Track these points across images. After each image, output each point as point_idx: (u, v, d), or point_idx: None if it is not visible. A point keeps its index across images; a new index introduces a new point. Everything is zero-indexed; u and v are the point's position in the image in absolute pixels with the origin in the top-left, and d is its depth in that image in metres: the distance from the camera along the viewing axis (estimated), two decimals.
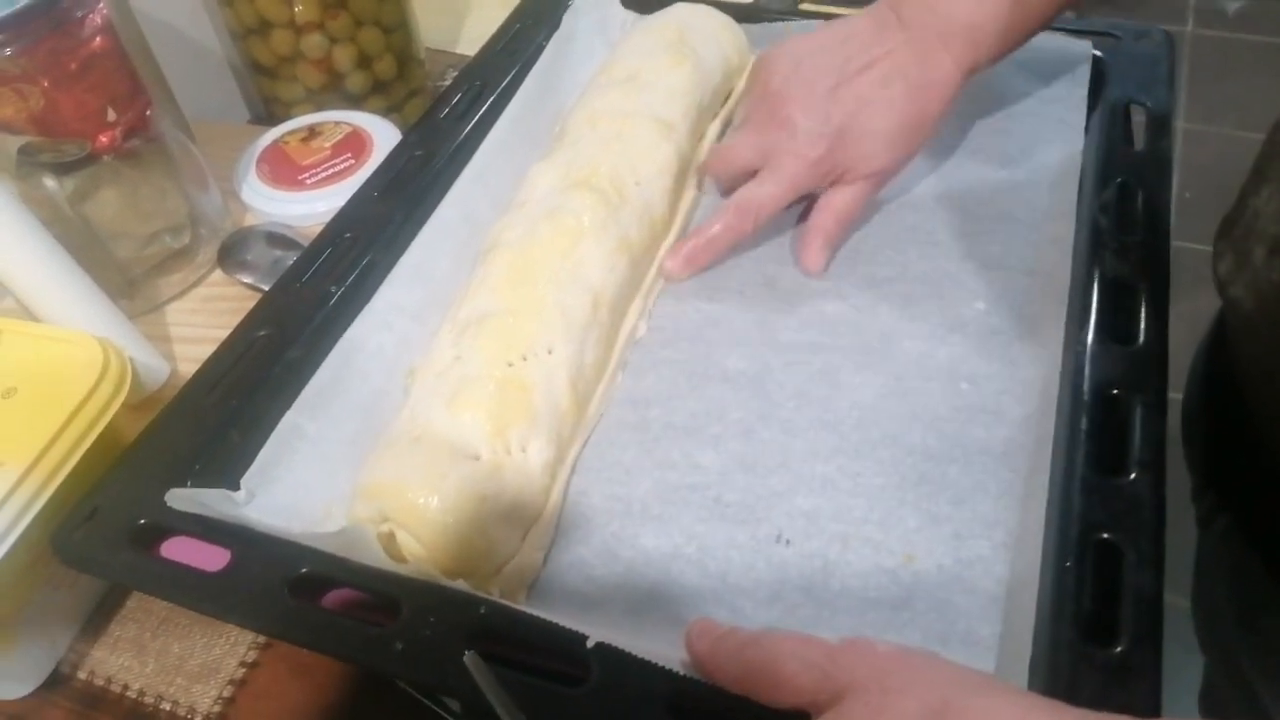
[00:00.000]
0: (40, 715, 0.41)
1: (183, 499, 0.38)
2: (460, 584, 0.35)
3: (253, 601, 0.36)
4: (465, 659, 0.32)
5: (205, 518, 0.38)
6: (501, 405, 0.40)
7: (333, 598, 0.37)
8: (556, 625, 0.34)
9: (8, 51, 0.45)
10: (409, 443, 0.39)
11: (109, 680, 0.42)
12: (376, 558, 0.36)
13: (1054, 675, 0.33)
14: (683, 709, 0.32)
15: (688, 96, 0.55)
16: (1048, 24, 0.50)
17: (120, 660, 0.43)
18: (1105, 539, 0.36)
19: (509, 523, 0.39)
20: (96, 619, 0.44)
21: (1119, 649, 0.33)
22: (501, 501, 0.38)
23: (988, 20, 0.48)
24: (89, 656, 0.43)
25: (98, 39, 0.48)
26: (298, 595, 0.36)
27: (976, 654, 0.36)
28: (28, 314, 0.48)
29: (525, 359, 0.42)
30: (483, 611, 0.34)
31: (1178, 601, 0.50)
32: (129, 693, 0.42)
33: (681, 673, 0.32)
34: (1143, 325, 0.43)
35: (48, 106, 0.47)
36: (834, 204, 0.50)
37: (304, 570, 0.36)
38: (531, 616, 0.34)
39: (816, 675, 0.27)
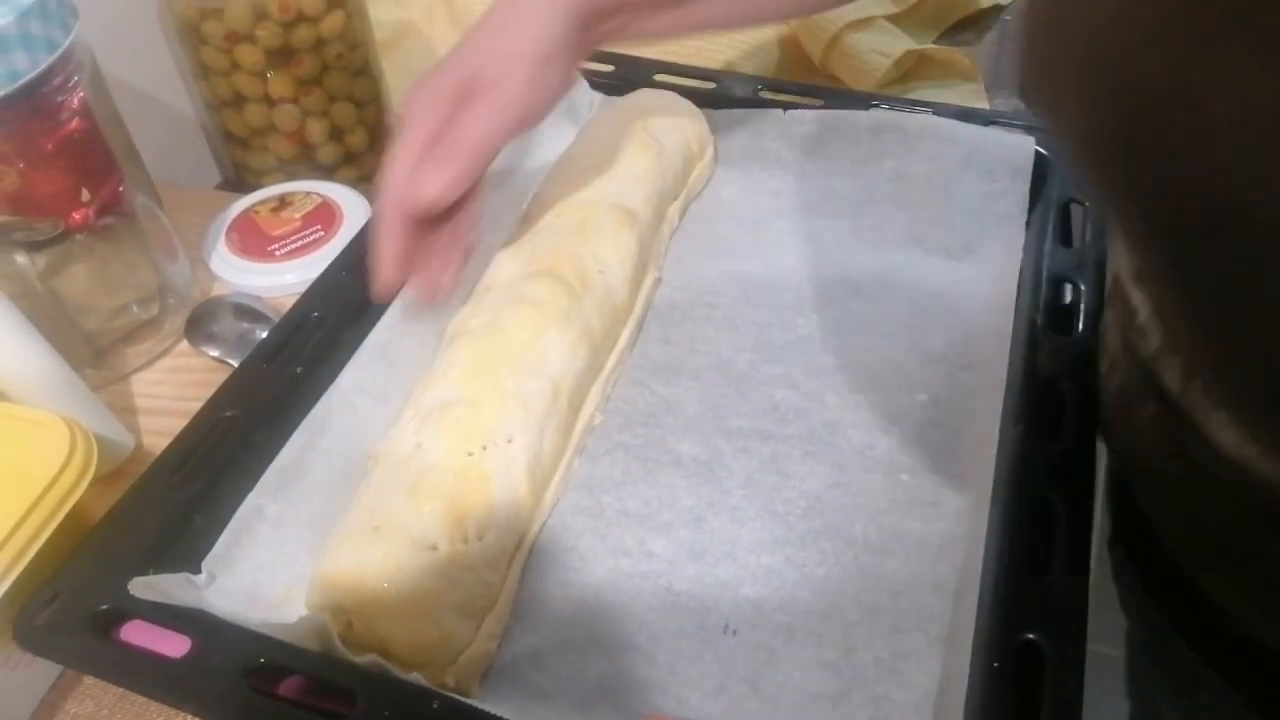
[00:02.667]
0: None
1: (143, 586, 0.39)
2: (415, 676, 0.37)
3: (211, 690, 0.37)
4: None
5: (166, 604, 0.39)
6: (460, 495, 0.41)
7: (290, 684, 0.38)
8: None
9: None
10: (368, 532, 0.40)
11: None
12: (333, 648, 0.37)
13: None
14: None
15: (650, 184, 0.58)
16: None
17: None
18: (1030, 639, 0.37)
19: (465, 613, 0.40)
20: (51, 697, 0.44)
21: None
22: (457, 592, 0.40)
23: None
24: None
25: (74, 121, 0.49)
26: (256, 684, 0.37)
27: None
28: None
29: (485, 448, 0.43)
30: (435, 706, 0.36)
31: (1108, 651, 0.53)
32: None
33: None
34: (1072, 428, 0.45)
35: (23, 186, 0.48)
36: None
37: (262, 660, 0.37)
38: (483, 713, 0.35)
39: None
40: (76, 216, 0.51)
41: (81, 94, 0.49)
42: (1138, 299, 0.40)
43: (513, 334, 0.47)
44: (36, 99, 0.47)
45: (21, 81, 0.45)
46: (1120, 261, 0.43)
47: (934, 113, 0.63)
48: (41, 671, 0.44)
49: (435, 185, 0.45)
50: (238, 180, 0.71)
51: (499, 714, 0.35)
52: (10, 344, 0.46)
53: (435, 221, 0.48)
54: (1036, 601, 0.39)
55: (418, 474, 0.42)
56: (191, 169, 0.73)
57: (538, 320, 0.48)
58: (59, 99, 0.48)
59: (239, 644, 0.38)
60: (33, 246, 0.50)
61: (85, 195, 0.50)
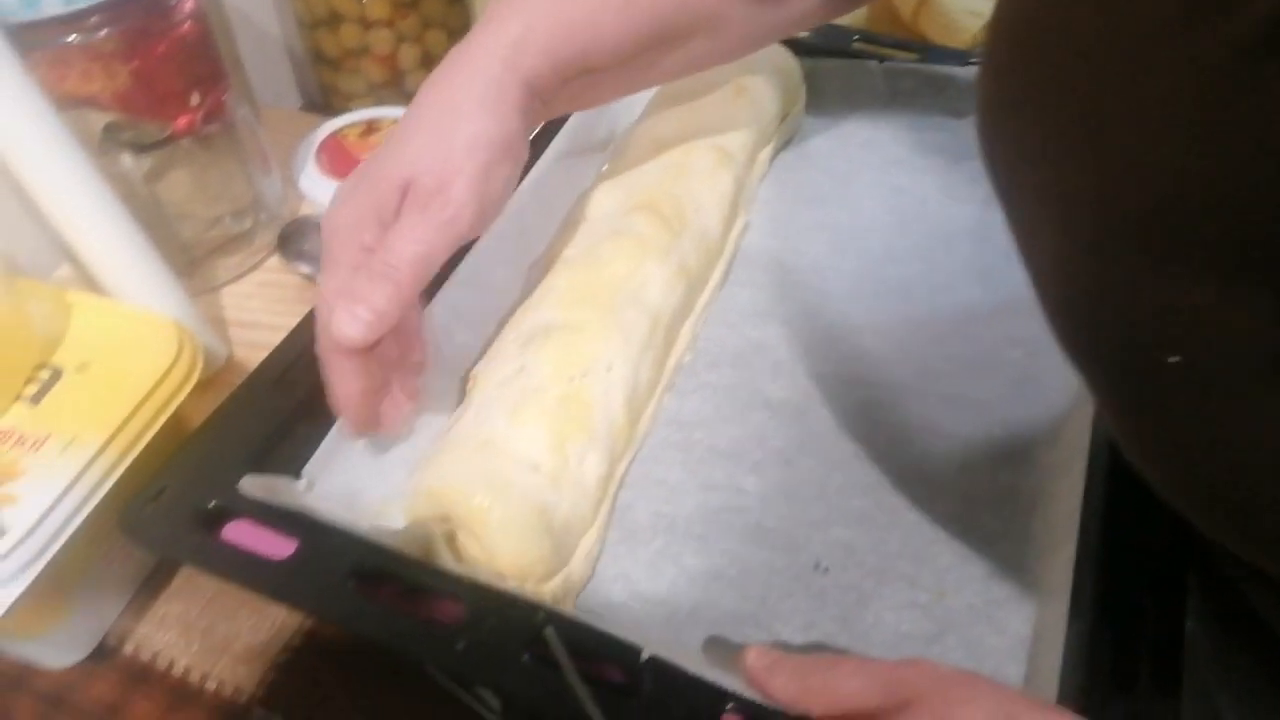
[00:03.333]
0: (86, 686, 0.43)
1: (254, 485, 0.39)
2: (519, 587, 0.37)
3: (317, 590, 0.37)
4: (547, 633, 0.34)
5: (272, 505, 0.40)
6: (563, 419, 0.42)
7: (392, 591, 0.39)
8: (613, 635, 0.35)
9: (102, 32, 0.46)
10: (473, 448, 0.41)
11: (155, 655, 0.43)
12: (440, 557, 0.38)
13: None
14: None
15: (745, 128, 0.57)
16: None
17: (166, 637, 0.44)
18: (1131, 592, 0.37)
19: (565, 532, 0.40)
20: (143, 595, 0.45)
21: (1141, 696, 0.35)
22: (559, 512, 0.40)
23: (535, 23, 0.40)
24: (135, 632, 0.44)
25: (187, 24, 0.49)
26: (361, 587, 0.38)
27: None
28: (89, 286, 0.49)
29: (586, 375, 0.43)
30: (541, 617, 0.36)
31: None
32: (174, 669, 0.43)
33: (731, 691, 0.34)
34: None
35: (133, 86, 0.48)
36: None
37: (368, 564, 0.38)
38: (589, 624, 0.36)
39: (878, 691, 0.29)
40: (183, 121, 0.51)
41: None
42: None
43: (614, 264, 0.47)
44: None
45: None
46: None
47: None
48: (134, 570, 0.45)
49: (356, 324, 0.37)
50: (323, 103, 0.71)
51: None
52: (120, 244, 0.46)
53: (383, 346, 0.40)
54: (1136, 557, 0.39)
55: (521, 396, 0.42)
56: (274, 90, 0.73)
57: (639, 252, 0.48)
58: (175, 1, 0.48)
59: (345, 547, 0.38)
60: (139, 149, 0.50)
61: (195, 99, 0.50)
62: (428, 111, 0.39)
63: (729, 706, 0.34)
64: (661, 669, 0.35)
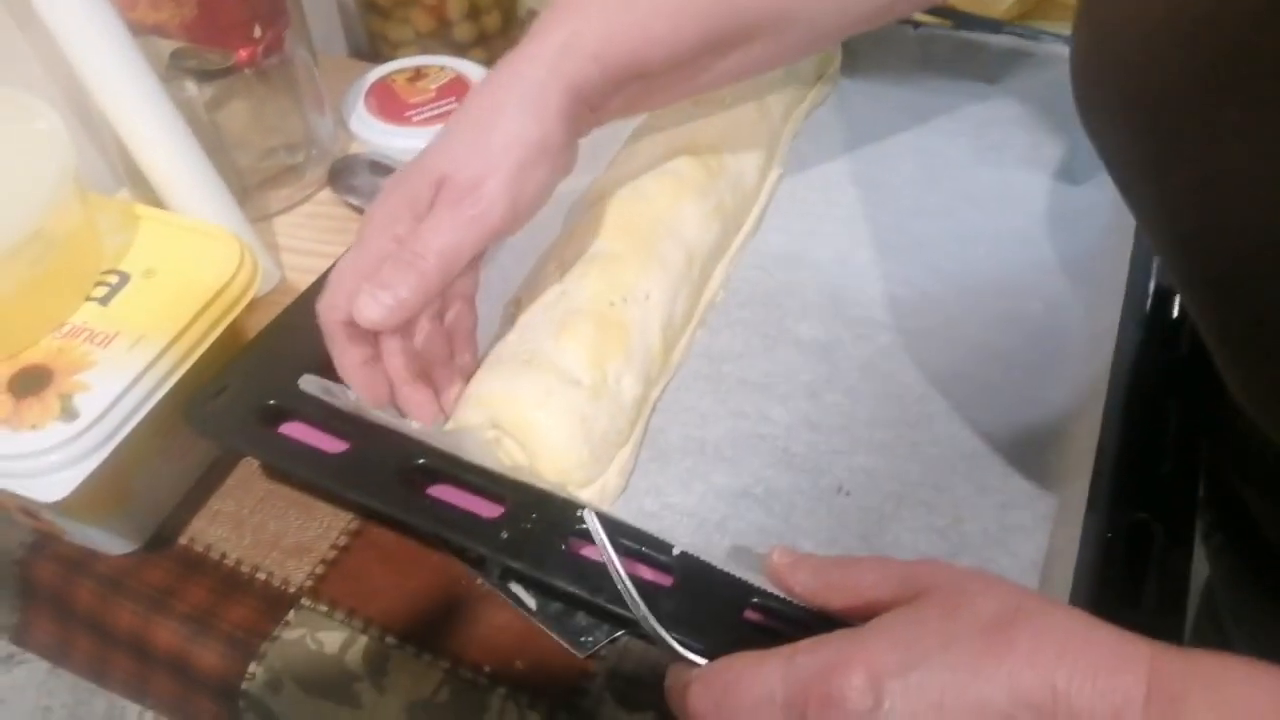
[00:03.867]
0: (142, 573, 0.45)
1: (313, 384, 0.42)
2: (559, 487, 0.39)
3: (371, 484, 0.40)
4: (583, 513, 0.36)
5: (328, 405, 0.42)
6: (603, 340, 0.44)
7: (439, 490, 0.41)
8: (645, 532, 0.38)
9: None
10: (520, 363, 0.43)
11: (208, 548, 0.46)
12: (489, 458, 0.40)
13: None
14: (756, 618, 0.36)
15: (784, 84, 0.59)
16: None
17: (218, 531, 0.46)
18: (1141, 519, 0.39)
19: (602, 444, 0.42)
20: (196, 493, 0.48)
21: (1147, 614, 0.37)
22: (598, 424, 0.42)
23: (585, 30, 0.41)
24: (189, 525, 0.46)
25: None
26: (410, 484, 0.40)
27: None
28: (152, 203, 0.52)
29: (625, 300, 0.45)
30: (580, 512, 0.38)
31: None
32: (226, 560, 0.45)
33: (756, 585, 0.36)
34: (1184, 339, 0.47)
35: (199, 16, 0.51)
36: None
37: (419, 461, 0.40)
38: (622, 521, 0.38)
39: (895, 584, 0.31)
40: (244, 53, 0.53)
41: None
42: None
43: (655, 199, 0.49)
44: None
45: None
46: None
47: (1064, 42, 0.63)
48: (189, 467, 0.48)
49: (376, 307, 0.38)
50: (371, 51, 0.73)
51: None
52: (186, 164, 0.49)
53: (426, 336, 0.42)
54: (1147, 488, 0.41)
55: (564, 316, 0.44)
56: (323, 38, 0.76)
57: (678, 189, 0.50)
58: None
59: (396, 447, 0.41)
60: (202, 77, 0.53)
61: (257, 32, 0.52)
62: (470, 113, 0.41)
63: (754, 600, 0.36)
64: (691, 564, 0.37)
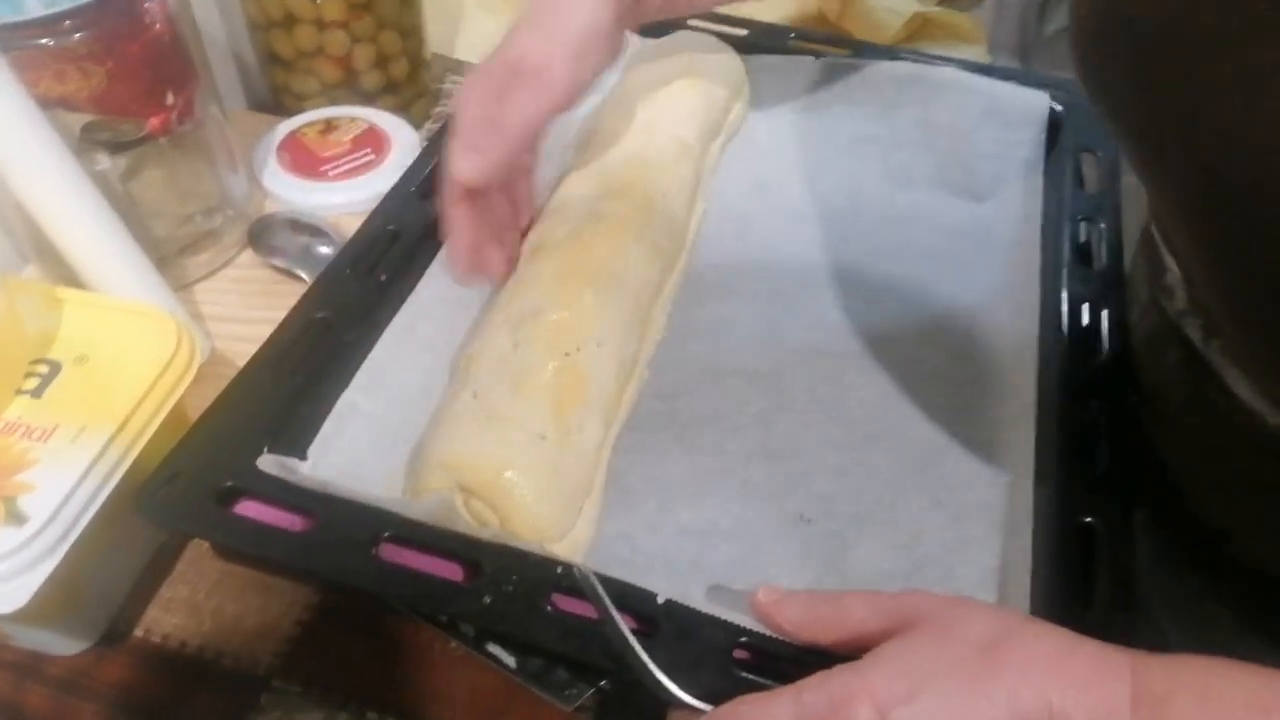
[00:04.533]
0: (98, 672, 0.43)
1: (270, 463, 0.41)
2: (536, 546, 0.39)
3: (339, 560, 0.39)
4: (575, 571, 0.37)
5: (286, 482, 0.41)
6: (562, 390, 0.44)
7: (410, 557, 0.40)
8: (628, 584, 0.38)
9: (77, 35, 0.47)
10: (482, 420, 0.43)
11: (165, 637, 0.44)
12: (459, 523, 0.40)
13: None
14: (745, 657, 0.37)
15: (700, 119, 0.60)
16: None
17: (175, 619, 0.45)
18: (1086, 522, 0.42)
19: (570, 496, 0.43)
20: (145, 582, 0.46)
21: (1099, 613, 0.39)
22: (565, 477, 0.43)
23: None
24: (144, 615, 0.45)
25: (159, 24, 0.50)
26: (381, 556, 0.39)
27: None
28: (62, 279, 0.50)
29: (580, 349, 0.46)
30: (560, 571, 0.39)
31: None
32: (187, 648, 0.44)
33: (743, 626, 0.37)
34: (1104, 342, 0.50)
35: (108, 86, 0.49)
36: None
37: (389, 531, 0.40)
38: (606, 576, 0.38)
39: (883, 617, 0.33)
40: (156, 121, 0.51)
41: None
42: (1169, 260, 0.44)
43: (595, 247, 0.50)
44: (127, 1, 0.48)
45: None
46: (1155, 221, 0.47)
47: (957, 67, 0.67)
48: (138, 555, 0.46)
49: (471, 166, 0.47)
50: (274, 103, 0.71)
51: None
52: (107, 239, 0.47)
53: (497, 203, 0.52)
54: (1088, 491, 0.43)
55: (520, 371, 0.45)
56: (222, 91, 0.74)
57: (618, 233, 0.50)
58: (147, 3, 0.49)
59: (363, 519, 0.40)
60: (115, 148, 0.51)
61: (170, 99, 0.51)
62: (535, 10, 0.49)
63: (742, 640, 0.37)
64: (677, 611, 0.38)
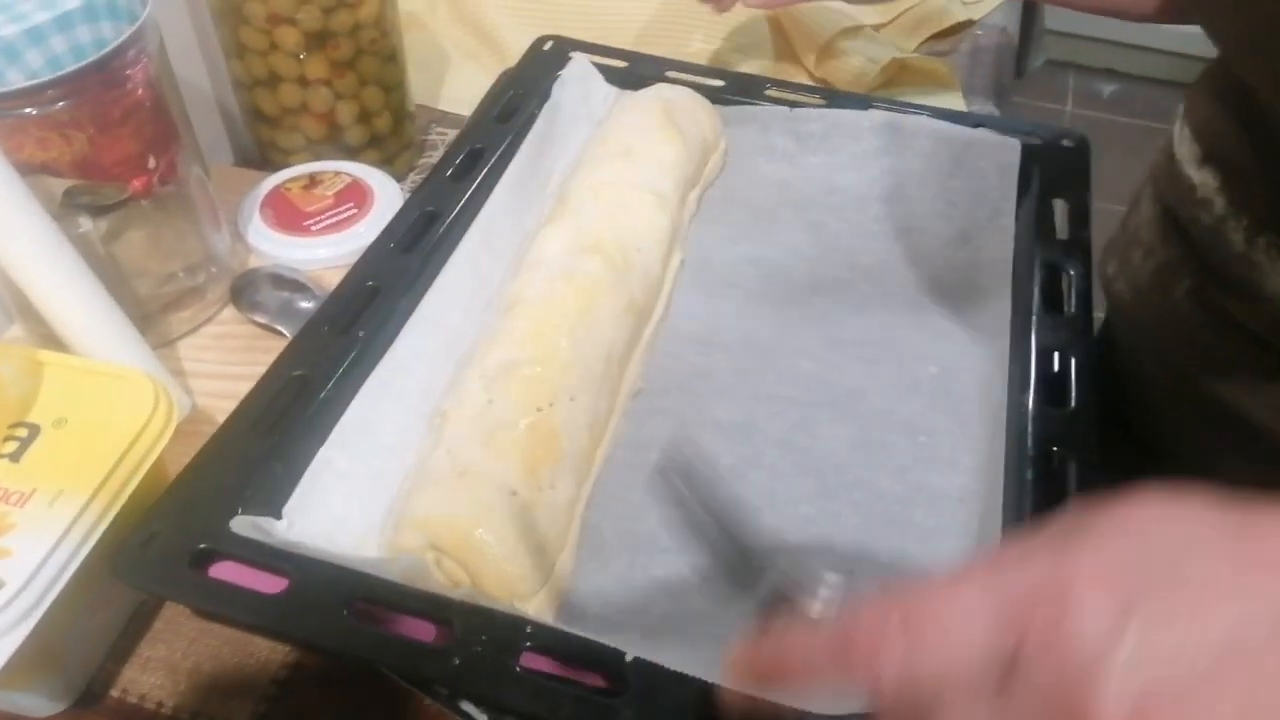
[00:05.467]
0: None
1: (245, 525, 0.41)
2: (506, 605, 0.40)
3: (315, 621, 0.39)
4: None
5: (261, 543, 0.42)
6: (534, 447, 0.45)
7: (384, 618, 0.41)
8: (597, 642, 0.39)
9: (59, 105, 0.48)
10: (454, 478, 0.43)
11: (142, 698, 0.44)
12: (431, 583, 0.40)
13: None
14: (715, 715, 0.37)
15: (677, 170, 0.62)
16: None
17: (152, 679, 0.45)
18: None
19: (543, 553, 0.43)
20: (123, 642, 0.46)
21: None
22: (536, 534, 0.43)
23: None
24: (120, 676, 0.45)
25: (140, 90, 0.51)
26: (355, 616, 0.40)
27: None
28: (45, 346, 0.50)
29: (552, 405, 0.47)
30: (529, 630, 0.39)
31: None
32: (163, 709, 0.44)
33: (712, 682, 0.37)
34: (1073, 391, 0.50)
35: (91, 152, 0.50)
36: None
37: (361, 593, 0.40)
38: (573, 634, 0.39)
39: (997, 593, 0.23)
40: (138, 183, 0.52)
41: (149, 65, 0.51)
42: (1200, 178, 0.44)
43: (569, 302, 0.51)
44: (109, 70, 0.49)
45: (106, 49, 0.47)
46: (1182, 150, 0.47)
47: (929, 115, 0.68)
48: (115, 616, 0.46)
49: None
50: (261, 159, 0.73)
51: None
52: (88, 302, 0.48)
53: None
54: None
55: (493, 427, 0.45)
56: (208, 147, 0.75)
57: (591, 291, 0.51)
58: (129, 70, 0.50)
59: (337, 580, 0.40)
60: (97, 211, 0.52)
61: (152, 162, 0.52)
62: None
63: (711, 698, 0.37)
64: (644, 669, 0.38)
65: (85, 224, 0.51)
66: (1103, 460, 0.57)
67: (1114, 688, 0.21)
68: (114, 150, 0.51)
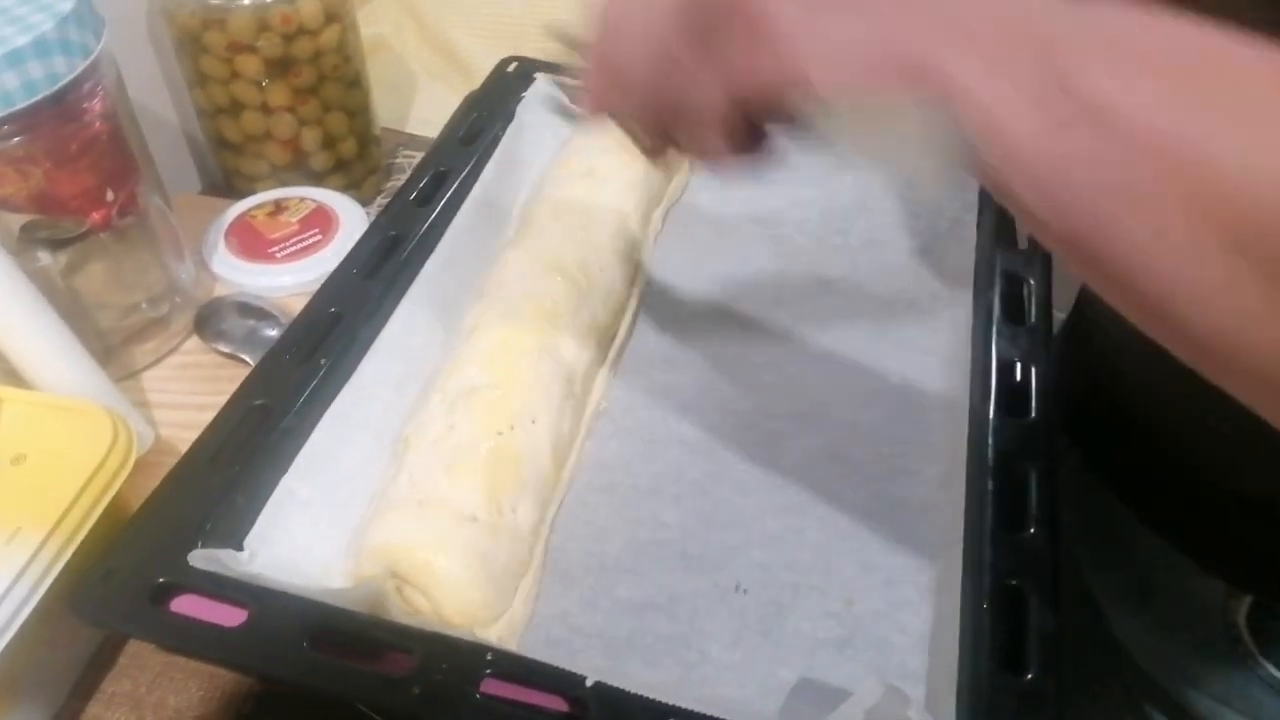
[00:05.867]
0: None
1: (203, 559, 0.41)
2: (466, 632, 0.40)
3: (274, 653, 0.39)
4: None
5: (221, 576, 0.41)
6: (494, 471, 0.45)
7: (345, 649, 0.41)
8: (557, 668, 0.39)
9: (14, 140, 0.48)
10: (413, 506, 0.43)
11: None
12: (390, 611, 0.40)
13: (976, 701, 0.39)
14: None
15: (638, 189, 0.62)
16: None
17: (116, 715, 0.45)
18: (1012, 584, 0.43)
19: (504, 577, 0.43)
20: (89, 677, 0.46)
21: (1029, 677, 0.40)
22: (498, 559, 0.43)
23: None
24: (85, 712, 0.45)
25: (98, 123, 0.51)
26: (316, 647, 0.40)
27: (910, 684, 0.42)
28: (12, 381, 0.50)
29: (513, 428, 0.47)
30: (489, 657, 0.39)
31: None
32: None
33: (674, 706, 0.37)
34: (1033, 402, 0.51)
35: (48, 186, 0.50)
36: None
37: (321, 623, 0.40)
38: (533, 660, 0.39)
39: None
40: (97, 216, 0.52)
41: (105, 98, 0.51)
42: None
43: (529, 326, 0.51)
44: (65, 104, 0.49)
45: (60, 84, 0.47)
46: None
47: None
48: (78, 652, 0.46)
49: None
50: (226, 186, 0.73)
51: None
52: (46, 338, 0.48)
53: None
54: (1015, 553, 0.44)
55: (453, 452, 0.45)
56: (172, 176, 0.75)
57: (552, 313, 0.51)
58: (85, 104, 0.50)
59: (297, 611, 0.40)
60: (55, 245, 0.52)
61: (111, 195, 0.52)
62: None
63: None
64: (605, 693, 0.38)
65: (44, 258, 0.51)
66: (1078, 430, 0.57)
67: None
68: (71, 184, 0.51)
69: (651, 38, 0.32)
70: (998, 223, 0.63)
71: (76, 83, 0.49)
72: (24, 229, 0.50)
